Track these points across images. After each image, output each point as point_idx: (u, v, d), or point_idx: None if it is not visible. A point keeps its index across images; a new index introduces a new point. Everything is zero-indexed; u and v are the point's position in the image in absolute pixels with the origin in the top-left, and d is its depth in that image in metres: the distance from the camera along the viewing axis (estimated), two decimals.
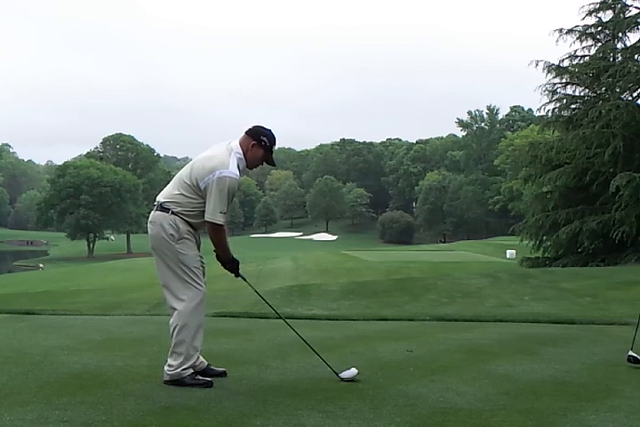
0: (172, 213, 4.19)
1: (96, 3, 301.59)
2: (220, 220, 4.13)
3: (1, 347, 5.30)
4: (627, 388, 4.47)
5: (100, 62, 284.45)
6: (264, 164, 4.38)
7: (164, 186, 4.47)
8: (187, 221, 4.20)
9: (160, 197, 4.30)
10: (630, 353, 5.14)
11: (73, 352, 5.08)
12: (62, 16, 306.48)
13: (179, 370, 4.09)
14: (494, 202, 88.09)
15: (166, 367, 4.12)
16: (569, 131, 25.27)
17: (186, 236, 4.19)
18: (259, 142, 4.26)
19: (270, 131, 4.36)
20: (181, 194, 4.22)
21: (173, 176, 4.45)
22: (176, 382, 4.07)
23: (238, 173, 4.16)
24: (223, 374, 4.37)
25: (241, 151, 4.24)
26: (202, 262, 4.32)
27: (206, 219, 4.12)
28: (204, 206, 4.14)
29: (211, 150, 4.30)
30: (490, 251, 48.94)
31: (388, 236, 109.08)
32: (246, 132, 4.31)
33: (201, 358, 4.32)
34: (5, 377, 4.15)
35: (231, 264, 4.32)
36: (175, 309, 4.16)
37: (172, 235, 4.16)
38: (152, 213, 4.31)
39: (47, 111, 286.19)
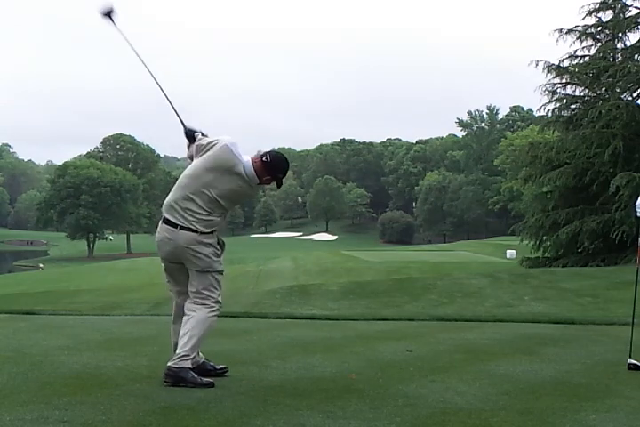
0: None
1: (96, 4, 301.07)
2: None
3: (1, 347, 5.30)
4: (627, 388, 4.47)
5: (100, 62, 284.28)
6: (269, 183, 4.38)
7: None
8: (160, 221, 4.33)
9: None
10: (630, 360, 5.11)
11: (73, 352, 5.08)
12: (62, 16, 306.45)
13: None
14: (494, 202, 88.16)
15: None
16: (569, 131, 25.25)
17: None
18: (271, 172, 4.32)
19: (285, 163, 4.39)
20: None
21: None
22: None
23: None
24: (222, 370, 4.41)
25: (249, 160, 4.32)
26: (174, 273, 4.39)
27: None
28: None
29: None
30: (490, 251, 48.97)
31: (388, 236, 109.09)
32: (262, 160, 4.31)
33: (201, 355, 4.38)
34: (5, 377, 4.14)
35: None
36: None
37: None
38: None
39: (47, 111, 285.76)
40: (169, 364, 4.11)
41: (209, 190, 4.16)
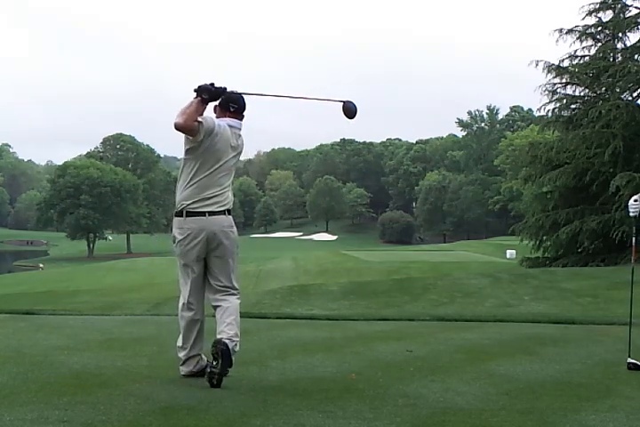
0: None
1: (95, 4, 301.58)
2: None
3: (1, 347, 5.31)
4: (627, 388, 4.47)
5: (101, 62, 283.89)
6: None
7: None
8: (179, 218, 4.26)
9: None
10: (630, 360, 5.12)
11: (73, 352, 5.08)
12: (62, 16, 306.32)
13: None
14: (494, 202, 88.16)
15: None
16: (569, 131, 25.23)
17: (176, 236, 4.29)
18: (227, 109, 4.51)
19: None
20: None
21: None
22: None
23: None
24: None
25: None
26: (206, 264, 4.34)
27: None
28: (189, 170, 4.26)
29: None
30: (490, 251, 48.96)
31: (388, 236, 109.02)
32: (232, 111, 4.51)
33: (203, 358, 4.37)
34: (5, 377, 4.15)
35: (206, 90, 4.33)
36: None
37: (173, 236, 4.35)
38: None
39: (47, 111, 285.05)
40: (229, 344, 4.09)
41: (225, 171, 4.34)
